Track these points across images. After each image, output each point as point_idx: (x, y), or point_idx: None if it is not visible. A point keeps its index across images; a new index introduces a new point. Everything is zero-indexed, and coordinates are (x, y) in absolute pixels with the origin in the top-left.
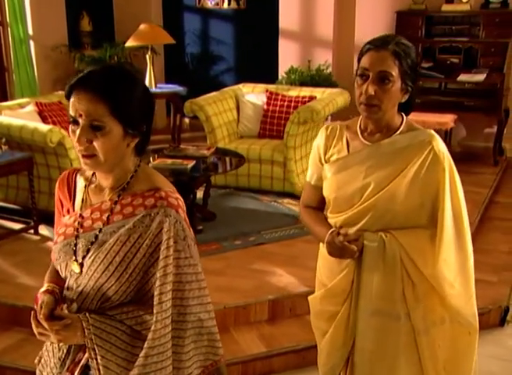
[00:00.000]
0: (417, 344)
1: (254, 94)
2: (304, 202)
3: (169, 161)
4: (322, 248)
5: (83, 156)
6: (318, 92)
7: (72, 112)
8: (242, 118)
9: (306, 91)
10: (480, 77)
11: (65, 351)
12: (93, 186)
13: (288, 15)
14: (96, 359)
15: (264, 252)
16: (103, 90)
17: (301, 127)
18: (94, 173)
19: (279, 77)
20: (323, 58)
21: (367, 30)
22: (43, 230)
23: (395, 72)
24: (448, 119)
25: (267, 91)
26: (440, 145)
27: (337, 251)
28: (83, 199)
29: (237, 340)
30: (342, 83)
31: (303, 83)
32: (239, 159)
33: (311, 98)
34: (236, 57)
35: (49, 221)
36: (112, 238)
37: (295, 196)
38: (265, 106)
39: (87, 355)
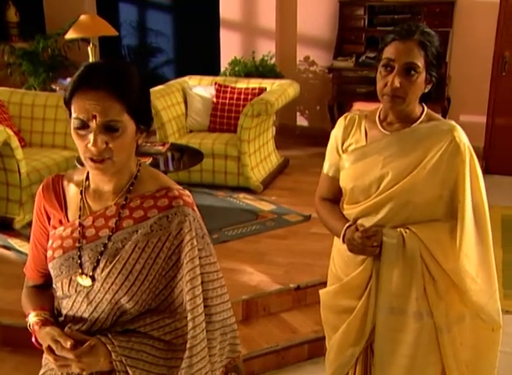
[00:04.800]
0: (438, 342)
1: (201, 87)
2: (320, 194)
3: None
4: (337, 241)
5: (95, 161)
6: (267, 84)
7: (81, 115)
8: (190, 111)
9: (255, 83)
10: None
11: None
12: (90, 191)
13: (229, 4)
14: None
15: (229, 250)
16: (116, 86)
17: (255, 120)
18: (87, 177)
19: (222, 69)
20: (266, 49)
21: (309, 20)
22: None
23: (421, 63)
24: None
25: (215, 83)
26: (462, 136)
27: (358, 247)
28: (80, 207)
29: None
30: (286, 73)
31: (247, 74)
32: (197, 155)
33: (261, 90)
34: (175, 49)
35: None
36: (128, 245)
37: (250, 190)
38: (214, 99)
39: None
